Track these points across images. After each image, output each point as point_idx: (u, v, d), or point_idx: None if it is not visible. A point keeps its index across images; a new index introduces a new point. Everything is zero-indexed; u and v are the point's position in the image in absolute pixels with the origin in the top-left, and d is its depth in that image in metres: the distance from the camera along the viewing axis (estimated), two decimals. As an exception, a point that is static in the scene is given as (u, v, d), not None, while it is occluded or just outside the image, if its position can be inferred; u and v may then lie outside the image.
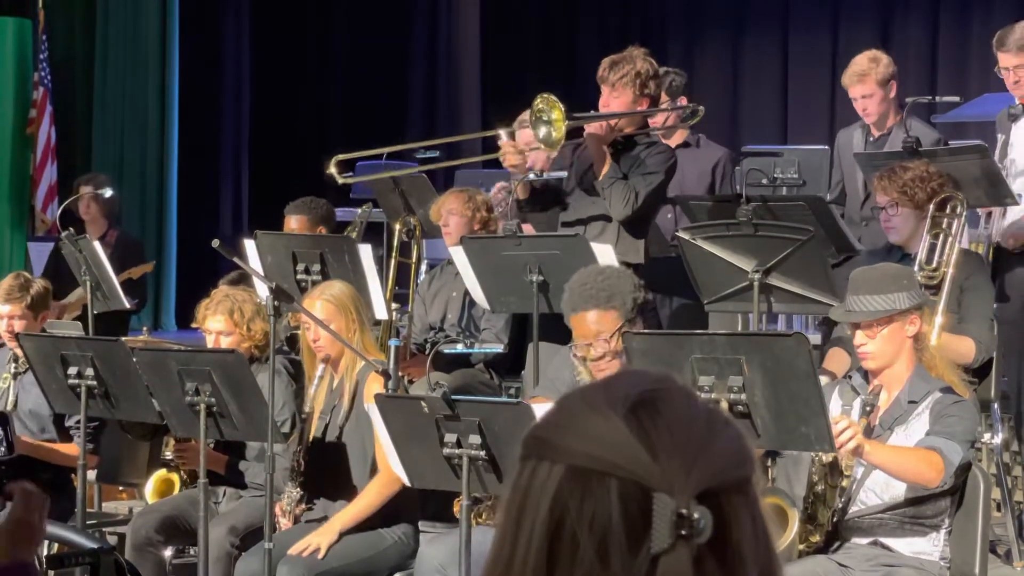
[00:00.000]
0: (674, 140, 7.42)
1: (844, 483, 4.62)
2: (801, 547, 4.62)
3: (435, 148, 8.85)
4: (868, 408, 4.61)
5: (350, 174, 7.37)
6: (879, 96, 7.00)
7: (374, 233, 8.67)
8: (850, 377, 4.80)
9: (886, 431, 4.60)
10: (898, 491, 4.59)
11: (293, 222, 7.47)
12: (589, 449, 1.31)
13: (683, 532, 1.28)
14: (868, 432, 4.60)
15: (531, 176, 6.44)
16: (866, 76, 7.00)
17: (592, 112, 6.46)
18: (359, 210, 8.48)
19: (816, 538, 4.65)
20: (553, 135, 6.09)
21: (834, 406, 4.72)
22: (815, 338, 6.66)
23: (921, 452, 4.46)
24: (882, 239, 6.20)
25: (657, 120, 7.13)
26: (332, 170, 6.63)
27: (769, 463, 5.15)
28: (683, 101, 7.28)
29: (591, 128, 6.30)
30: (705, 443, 1.32)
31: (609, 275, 5.06)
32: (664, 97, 7.31)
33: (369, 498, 5.40)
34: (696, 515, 1.28)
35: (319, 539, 5.34)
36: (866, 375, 4.73)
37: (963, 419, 4.53)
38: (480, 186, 7.96)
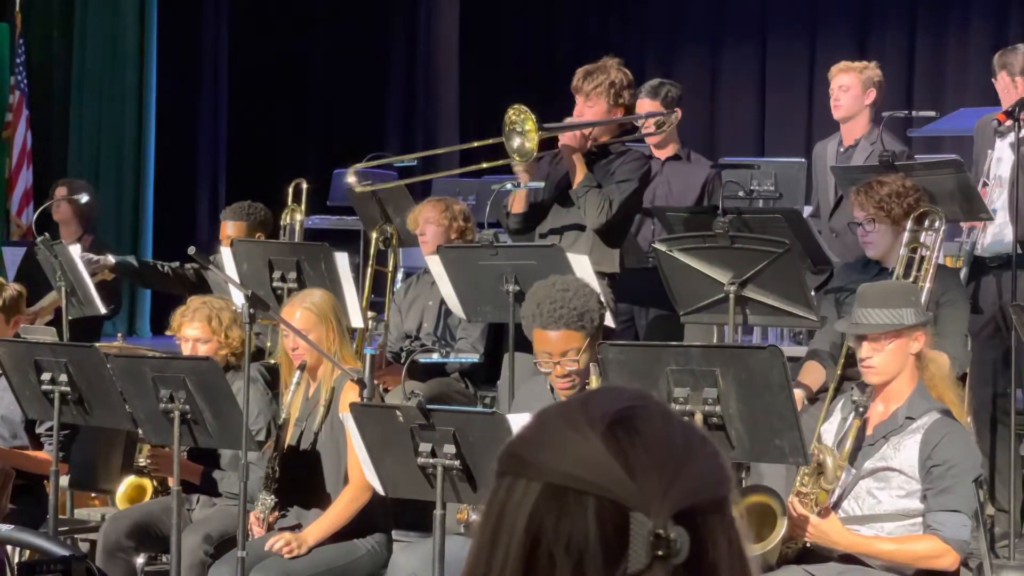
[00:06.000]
0: (664, 153, 7.43)
1: (830, 486, 4.63)
2: (785, 547, 4.62)
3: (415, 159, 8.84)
4: (861, 409, 4.61)
5: (368, 181, 7.42)
6: (855, 92, 7.11)
7: (350, 241, 8.66)
8: (852, 390, 4.80)
9: (879, 439, 4.62)
10: (881, 506, 4.60)
11: (230, 228, 7.44)
12: (566, 467, 1.31)
13: (660, 552, 1.28)
14: (860, 441, 4.61)
15: (531, 185, 6.39)
16: (852, 70, 7.18)
17: (563, 122, 6.46)
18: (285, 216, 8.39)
19: (798, 544, 4.66)
20: (527, 146, 6.10)
21: (833, 420, 4.74)
22: (790, 351, 6.68)
23: (921, 546, 4.49)
24: (851, 252, 6.22)
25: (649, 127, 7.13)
26: (352, 179, 6.97)
27: (743, 475, 5.17)
28: (679, 112, 7.26)
29: (564, 138, 6.32)
30: (683, 463, 1.32)
31: (577, 293, 4.98)
32: (660, 107, 7.29)
33: (339, 510, 5.40)
34: (673, 535, 1.28)
35: (296, 541, 5.34)
36: (865, 388, 4.73)
37: (963, 479, 4.51)
38: (457, 195, 7.96)
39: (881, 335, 4.63)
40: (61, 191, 9.51)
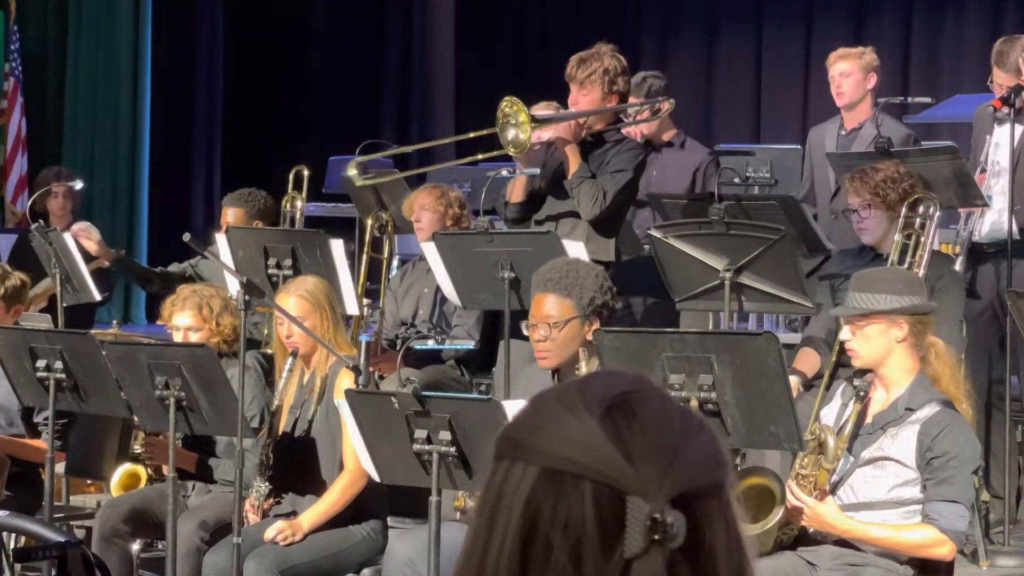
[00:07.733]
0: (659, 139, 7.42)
1: (831, 465, 4.63)
2: (781, 532, 4.62)
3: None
4: (862, 393, 4.61)
5: (370, 174, 7.40)
6: (857, 78, 7.12)
7: (346, 228, 8.64)
8: (853, 377, 4.80)
9: (877, 430, 4.61)
10: (877, 493, 4.60)
11: (230, 215, 7.41)
12: (564, 451, 1.30)
13: (657, 537, 1.28)
14: (858, 427, 4.61)
15: (528, 172, 6.36)
16: (850, 56, 7.19)
17: (555, 112, 6.45)
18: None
19: (794, 530, 4.67)
20: (521, 137, 6.10)
21: (833, 404, 4.74)
22: (786, 337, 6.69)
23: (918, 534, 4.50)
24: (851, 235, 6.23)
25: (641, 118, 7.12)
26: (352, 172, 6.86)
27: (739, 461, 5.17)
28: (672, 101, 7.24)
29: (558, 129, 6.30)
30: (680, 447, 1.32)
31: (579, 268, 5.06)
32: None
33: (334, 496, 5.40)
34: (670, 520, 1.28)
35: (290, 529, 5.35)
36: (865, 373, 4.73)
37: (963, 470, 4.51)
38: (453, 182, 7.95)
39: (856, 318, 4.62)
40: (59, 185, 9.47)
